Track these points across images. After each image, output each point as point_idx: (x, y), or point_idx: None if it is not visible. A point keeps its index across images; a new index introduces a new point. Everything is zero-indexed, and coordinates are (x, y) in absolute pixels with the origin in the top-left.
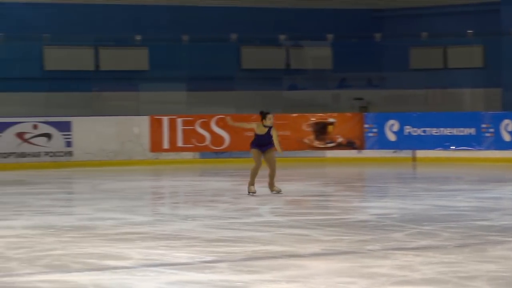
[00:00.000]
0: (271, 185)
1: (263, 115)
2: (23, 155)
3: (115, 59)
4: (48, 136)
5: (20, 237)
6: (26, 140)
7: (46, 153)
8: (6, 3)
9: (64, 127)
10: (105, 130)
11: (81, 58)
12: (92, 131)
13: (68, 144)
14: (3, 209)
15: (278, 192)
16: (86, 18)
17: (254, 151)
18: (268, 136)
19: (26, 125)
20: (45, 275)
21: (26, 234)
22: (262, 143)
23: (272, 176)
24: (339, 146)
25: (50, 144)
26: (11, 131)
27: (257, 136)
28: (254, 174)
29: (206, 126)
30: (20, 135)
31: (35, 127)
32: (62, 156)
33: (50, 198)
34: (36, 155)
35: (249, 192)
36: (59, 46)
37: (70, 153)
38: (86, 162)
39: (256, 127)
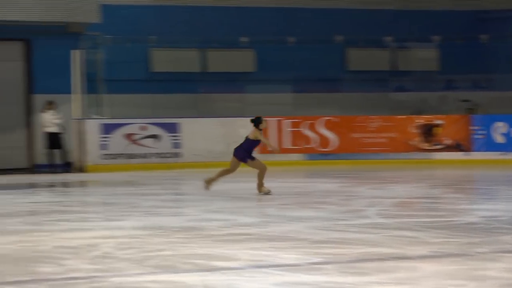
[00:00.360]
0: (260, 186)
1: (259, 121)
2: (131, 156)
3: (221, 61)
4: (156, 137)
5: (129, 237)
6: (134, 141)
7: (155, 154)
8: (114, 5)
9: (172, 128)
10: (212, 131)
11: (188, 60)
12: (199, 133)
13: (176, 145)
14: (113, 210)
15: (267, 193)
16: (193, 20)
17: (235, 160)
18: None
19: (134, 126)
20: (154, 275)
21: (135, 234)
22: (251, 150)
23: (261, 177)
24: (446, 148)
25: (158, 145)
26: (120, 133)
27: (253, 142)
28: (221, 175)
29: (313, 127)
30: (128, 136)
31: (143, 128)
32: (170, 157)
33: (159, 199)
34: (145, 156)
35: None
36: (166, 48)
37: (178, 154)
38: (194, 163)
39: (259, 135)
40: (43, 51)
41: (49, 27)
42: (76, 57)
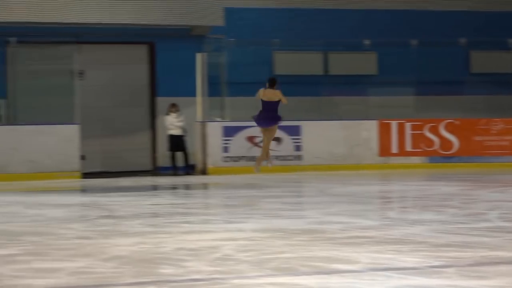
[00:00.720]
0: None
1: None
2: (253, 158)
3: (344, 63)
4: (278, 140)
5: (249, 239)
6: (256, 144)
7: (276, 157)
8: (237, 8)
9: (294, 131)
10: (334, 134)
11: (310, 63)
12: (321, 135)
13: (298, 148)
14: (234, 212)
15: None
16: (315, 23)
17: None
18: None
19: (256, 129)
20: (274, 277)
21: (255, 237)
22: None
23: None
24: None
25: (280, 148)
26: (242, 135)
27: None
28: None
29: (434, 130)
30: (251, 139)
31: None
32: (291, 160)
33: (280, 201)
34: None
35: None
36: (288, 51)
37: (299, 157)
38: (315, 166)
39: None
40: (167, 54)
41: (174, 30)
42: (200, 60)
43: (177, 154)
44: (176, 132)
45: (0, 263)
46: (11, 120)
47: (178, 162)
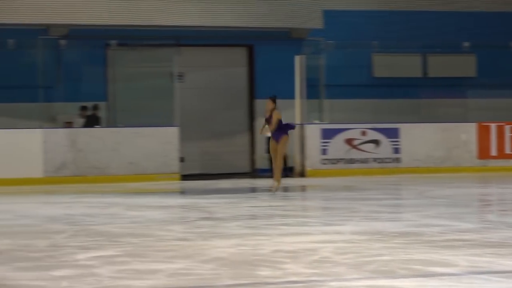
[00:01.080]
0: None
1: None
2: (352, 161)
3: (443, 66)
4: (376, 142)
5: (348, 242)
6: (355, 147)
7: (375, 159)
8: (336, 11)
9: (392, 133)
10: (432, 137)
11: (409, 65)
12: (420, 138)
13: (396, 150)
14: (332, 215)
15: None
16: (414, 25)
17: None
18: None
19: (355, 131)
20: (372, 280)
21: (353, 239)
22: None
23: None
24: None
25: (378, 150)
26: (340, 138)
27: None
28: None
29: None
30: (349, 141)
31: (363, 133)
32: (390, 162)
33: (378, 204)
34: (365, 161)
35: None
36: (387, 54)
37: (398, 160)
38: (414, 168)
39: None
40: (265, 57)
41: (272, 33)
42: (299, 62)
43: None
44: None
45: (100, 264)
46: (111, 122)
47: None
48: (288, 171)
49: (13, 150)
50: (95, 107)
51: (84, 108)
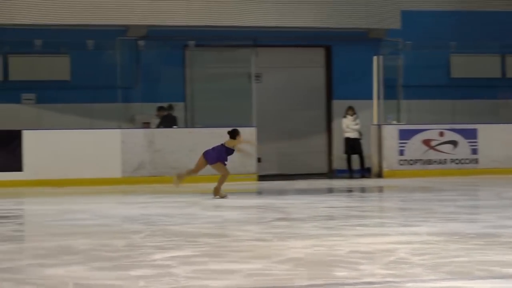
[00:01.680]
0: (218, 190)
1: (236, 133)
2: (429, 162)
3: None
4: (454, 143)
5: (424, 243)
6: (432, 147)
7: (452, 160)
8: (413, 11)
9: (470, 134)
10: (510, 138)
11: (487, 65)
12: (498, 139)
13: (474, 151)
14: (409, 216)
15: (224, 197)
16: (492, 25)
17: (202, 161)
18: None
19: (432, 132)
20: (448, 281)
21: (430, 240)
22: (223, 156)
23: (221, 182)
24: None
25: (456, 151)
26: (418, 138)
27: (228, 150)
28: (188, 174)
29: None
30: (427, 142)
31: (441, 134)
32: (467, 163)
33: (455, 205)
34: (442, 162)
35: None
36: (465, 54)
37: (475, 161)
38: (492, 169)
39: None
40: (343, 57)
41: (350, 34)
42: (377, 63)
43: (353, 157)
44: (352, 135)
45: (176, 264)
46: (189, 122)
47: (354, 165)
48: (365, 172)
49: (92, 150)
50: (170, 107)
51: (161, 108)
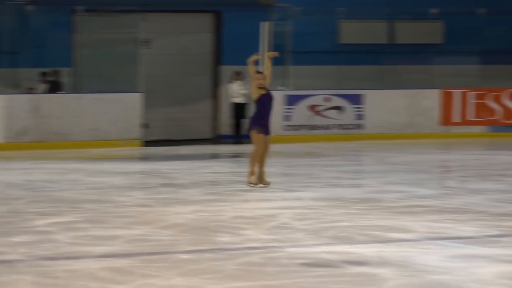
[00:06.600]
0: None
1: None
2: (314, 127)
3: (409, 32)
4: (339, 108)
5: (307, 208)
6: (318, 113)
7: (337, 126)
8: None
9: (356, 100)
10: (395, 103)
11: (375, 32)
12: (383, 104)
13: (359, 117)
14: (292, 181)
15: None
16: None
17: (260, 136)
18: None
19: (318, 98)
20: (330, 246)
21: (313, 205)
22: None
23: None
24: None
25: (341, 116)
26: (303, 104)
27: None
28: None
29: (498, 99)
30: (312, 107)
31: (327, 100)
32: (352, 129)
33: (339, 170)
34: (327, 127)
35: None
36: (354, 20)
37: (360, 126)
38: (376, 135)
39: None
40: (233, 23)
41: (240, 0)
42: (265, 29)
43: (240, 122)
44: (240, 100)
45: (59, 230)
46: (76, 88)
47: (241, 130)
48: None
49: None
50: (56, 73)
51: (44, 74)
